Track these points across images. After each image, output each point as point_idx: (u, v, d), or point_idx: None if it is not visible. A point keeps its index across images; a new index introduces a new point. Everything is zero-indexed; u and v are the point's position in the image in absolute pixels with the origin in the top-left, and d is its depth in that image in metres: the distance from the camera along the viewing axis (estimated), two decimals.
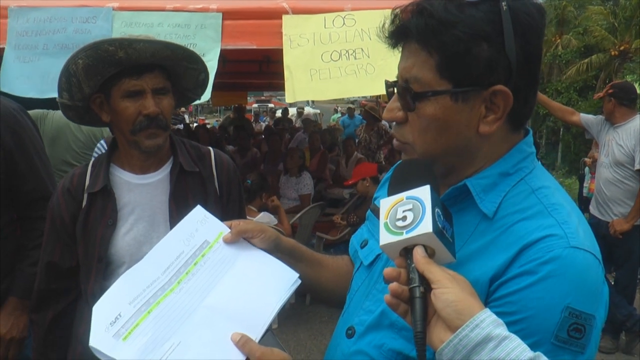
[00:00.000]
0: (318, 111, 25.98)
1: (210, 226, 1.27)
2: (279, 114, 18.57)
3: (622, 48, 19.34)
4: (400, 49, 1.06)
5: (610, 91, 4.61)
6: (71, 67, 1.71)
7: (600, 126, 4.81)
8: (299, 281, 1.23)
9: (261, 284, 1.20)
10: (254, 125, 14.48)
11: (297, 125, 14.60)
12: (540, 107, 5.87)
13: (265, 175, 6.04)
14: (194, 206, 1.81)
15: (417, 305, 0.85)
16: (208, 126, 14.48)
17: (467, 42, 0.96)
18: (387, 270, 0.91)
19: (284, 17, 3.82)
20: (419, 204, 0.91)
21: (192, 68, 1.84)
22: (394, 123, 1.10)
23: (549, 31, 21.02)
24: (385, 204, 0.96)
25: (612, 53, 19.48)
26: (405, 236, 0.90)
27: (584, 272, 0.93)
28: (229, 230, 1.27)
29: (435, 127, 1.03)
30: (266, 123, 17.57)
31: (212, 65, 3.55)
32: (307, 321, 5.05)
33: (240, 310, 1.13)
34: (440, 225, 0.90)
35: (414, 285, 0.87)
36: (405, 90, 1.03)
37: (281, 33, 3.79)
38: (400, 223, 0.91)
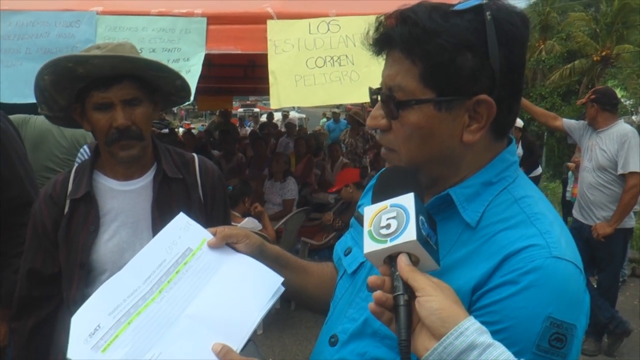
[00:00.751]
0: (304, 116, 26.01)
1: (194, 233, 1.25)
2: (264, 118, 18.52)
3: (603, 54, 19.61)
4: (385, 56, 1.07)
5: (593, 97, 4.66)
6: (40, 83, 1.71)
7: (583, 131, 4.87)
8: (283, 288, 1.23)
9: (244, 291, 1.19)
10: (239, 129, 14.45)
11: (282, 129, 14.61)
12: (524, 112, 5.93)
13: (247, 179, 6.03)
14: (178, 213, 1.80)
15: (401, 313, 0.85)
16: (194, 131, 14.42)
17: (451, 51, 0.97)
18: (372, 279, 0.91)
19: (269, 22, 3.82)
20: (403, 211, 0.91)
21: (163, 76, 1.81)
22: (378, 130, 1.10)
23: (533, 37, 21.24)
24: (369, 211, 0.96)
25: (595, 58, 19.74)
26: (389, 244, 0.89)
27: (565, 282, 0.93)
28: (213, 236, 1.26)
29: (418, 135, 1.03)
30: (251, 128, 17.54)
31: (196, 69, 3.54)
32: (292, 326, 5.04)
33: (222, 319, 1.12)
34: (424, 233, 0.90)
35: (398, 293, 0.87)
36: (388, 98, 1.03)
37: (266, 38, 3.79)
38: (384, 231, 0.91)
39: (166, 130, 11.62)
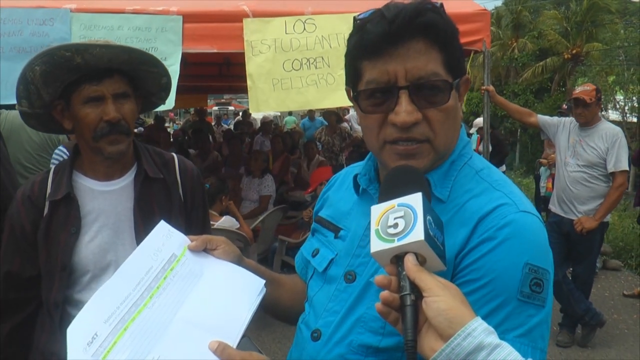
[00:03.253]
0: (278, 114, 25.87)
1: (176, 240, 1.27)
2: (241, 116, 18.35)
3: (574, 52, 19.98)
4: (393, 50, 1.03)
5: (598, 95, 4.74)
6: (28, 75, 1.67)
7: (558, 128, 4.94)
8: (265, 289, 1.25)
9: (231, 293, 1.21)
10: (215, 128, 14.35)
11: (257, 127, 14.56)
12: (499, 109, 6.00)
13: (224, 178, 6.01)
14: (159, 213, 1.80)
15: (408, 313, 0.85)
16: (169, 130, 14.28)
17: (457, 37, 1.08)
18: (379, 278, 0.91)
19: (245, 20, 3.83)
20: (410, 211, 0.91)
21: (153, 72, 1.81)
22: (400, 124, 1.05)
23: (505, 35, 21.55)
24: (376, 211, 0.95)
25: (566, 56, 20.10)
26: (396, 243, 0.89)
27: (536, 232, 1.04)
28: (191, 242, 1.29)
29: (452, 117, 1.09)
30: (230, 126, 17.40)
31: (174, 69, 3.52)
32: (270, 325, 5.02)
33: (214, 320, 1.14)
34: (432, 234, 0.90)
35: (405, 293, 0.86)
36: (437, 84, 1.05)
37: (242, 36, 3.79)
38: (391, 230, 0.90)
39: (141, 129, 11.49)
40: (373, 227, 0.93)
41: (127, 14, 3.62)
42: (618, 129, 4.70)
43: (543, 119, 5.17)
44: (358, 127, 12.08)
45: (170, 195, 1.88)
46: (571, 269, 5.04)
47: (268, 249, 6.00)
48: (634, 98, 16.45)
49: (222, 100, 30.30)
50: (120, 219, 1.81)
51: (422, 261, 0.90)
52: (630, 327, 5.44)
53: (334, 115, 9.82)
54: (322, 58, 3.85)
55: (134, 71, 1.77)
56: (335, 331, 1.15)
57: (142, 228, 1.78)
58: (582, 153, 4.68)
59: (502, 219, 1.02)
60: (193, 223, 1.94)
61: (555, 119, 5.11)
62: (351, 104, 1.28)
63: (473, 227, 1.04)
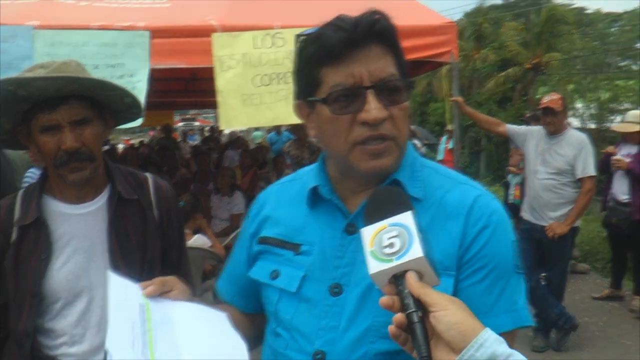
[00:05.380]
0: (244, 128, 25.65)
1: (132, 288, 1.20)
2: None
3: (534, 61, 20.45)
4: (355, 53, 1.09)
5: (565, 103, 4.86)
6: None
7: (527, 136, 5.01)
8: (229, 317, 1.24)
9: (211, 331, 1.18)
10: (182, 144, 14.19)
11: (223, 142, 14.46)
12: (465, 119, 6.06)
13: (197, 195, 5.91)
14: (134, 235, 1.74)
15: (417, 330, 0.86)
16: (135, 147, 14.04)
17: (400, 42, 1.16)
18: (384, 300, 0.92)
19: (213, 35, 3.78)
20: (404, 230, 0.92)
21: (112, 94, 1.73)
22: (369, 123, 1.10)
23: (468, 46, 21.94)
24: (367, 232, 0.96)
25: (527, 66, 20.55)
26: (395, 262, 0.90)
27: (506, 213, 1.19)
28: (147, 288, 1.20)
29: (407, 116, 1.15)
30: (197, 142, 17.21)
31: (141, 86, 3.45)
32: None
33: (217, 354, 1.12)
34: (427, 250, 0.91)
35: (411, 310, 0.87)
36: (397, 84, 1.11)
37: (211, 51, 3.75)
38: (387, 250, 0.91)
39: (107, 147, 11.28)
40: (367, 248, 0.94)
41: (93, 30, 3.53)
42: (584, 136, 4.83)
43: (511, 128, 5.26)
44: None
45: (145, 216, 1.82)
46: (544, 274, 5.11)
47: None
48: (592, 106, 16.91)
49: (188, 116, 30.04)
50: (94, 242, 1.73)
51: (419, 278, 0.90)
52: (601, 329, 5.55)
53: (303, 129, 9.80)
54: (292, 73, 3.82)
55: (92, 95, 1.69)
56: (342, 346, 1.12)
57: (117, 251, 1.72)
58: (551, 160, 4.76)
59: (487, 207, 1.15)
60: (169, 243, 1.88)
61: (524, 127, 5.21)
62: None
63: (465, 219, 1.13)
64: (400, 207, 0.96)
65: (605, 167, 5.81)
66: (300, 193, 1.29)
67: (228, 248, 5.53)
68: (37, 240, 1.69)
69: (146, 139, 19.72)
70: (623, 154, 5.71)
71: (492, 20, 24.70)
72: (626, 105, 15.78)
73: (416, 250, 0.89)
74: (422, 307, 0.87)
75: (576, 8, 26.02)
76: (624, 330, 5.48)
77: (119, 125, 1.92)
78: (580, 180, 4.67)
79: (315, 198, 1.24)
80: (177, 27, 3.80)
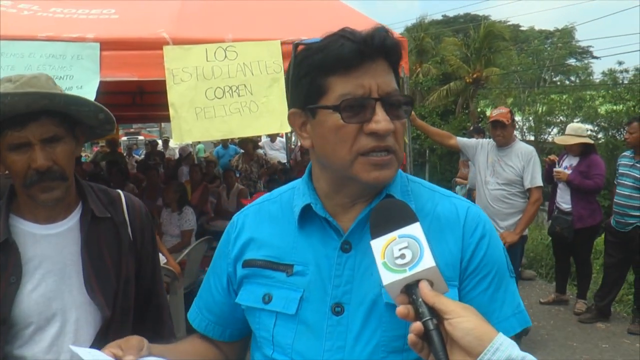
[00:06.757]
0: (190, 142, 25.25)
1: (101, 357, 1.12)
2: (160, 147, 17.64)
3: (475, 76, 21.14)
4: (365, 66, 1.09)
5: (512, 116, 5.02)
6: None
7: (477, 149, 5.17)
8: None
9: None
10: (127, 159, 13.84)
11: (173, 157, 14.20)
12: (417, 130, 6.21)
13: (151, 211, 5.77)
14: (108, 254, 1.68)
15: (435, 337, 0.88)
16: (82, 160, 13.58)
17: None
18: (400, 310, 0.94)
19: (165, 48, 3.70)
20: (414, 241, 0.96)
21: (85, 111, 1.65)
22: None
23: (410, 60, 22.44)
24: (378, 244, 0.98)
25: (467, 80, 21.22)
26: (409, 273, 0.93)
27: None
28: (112, 357, 1.12)
29: (404, 132, 1.17)
30: (142, 157, 16.79)
31: (91, 98, 3.34)
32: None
33: None
34: (436, 259, 0.94)
35: (427, 318, 0.90)
36: (401, 99, 1.13)
37: (162, 64, 3.67)
38: (399, 261, 0.95)
39: None
40: (379, 260, 0.96)
41: (40, 40, 3.40)
42: (532, 148, 5.02)
43: (462, 141, 5.42)
44: (272, 154, 12.07)
45: (118, 234, 1.74)
46: None
47: (194, 282, 5.80)
48: (531, 118, 17.60)
49: (132, 130, 29.39)
50: (67, 263, 1.64)
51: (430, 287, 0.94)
52: (549, 332, 5.75)
53: (250, 143, 9.76)
54: (245, 86, 3.78)
55: (64, 111, 1.60)
56: None
57: (91, 272, 1.64)
58: (501, 172, 4.92)
59: (479, 218, 1.19)
60: (143, 261, 1.82)
61: (474, 140, 5.38)
62: (286, 130, 1.26)
63: (461, 230, 1.16)
64: (406, 219, 1.00)
65: (550, 177, 6.05)
66: (283, 213, 1.26)
67: (182, 264, 5.43)
68: (6, 264, 1.58)
69: (90, 154, 19.13)
70: (565, 166, 5.97)
71: (432, 35, 25.40)
72: (561, 118, 16.55)
73: (428, 260, 0.93)
74: (436, 315, 0.90)
75: (512, 25, 27.17)
76: (570, 333, 5.71)
77: (91, 139, 1.84)
78: (529, 190, 4.84)
79: (304, 216, 1.21)
80: (128, 39, 3.70)
